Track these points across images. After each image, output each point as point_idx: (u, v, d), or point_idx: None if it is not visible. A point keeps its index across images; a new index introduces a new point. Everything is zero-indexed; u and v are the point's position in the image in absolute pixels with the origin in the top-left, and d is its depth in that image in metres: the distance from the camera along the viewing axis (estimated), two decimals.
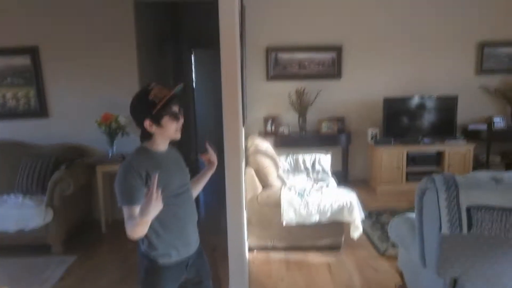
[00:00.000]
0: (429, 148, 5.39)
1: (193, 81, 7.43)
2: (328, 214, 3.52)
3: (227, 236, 2.85)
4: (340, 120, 5.64)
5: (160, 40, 5.64)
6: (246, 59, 4.83)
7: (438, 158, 5.42)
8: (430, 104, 5.51)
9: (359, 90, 5.69)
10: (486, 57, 5.61)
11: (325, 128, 5.56)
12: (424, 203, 2.32)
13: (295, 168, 4.74)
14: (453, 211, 2.11)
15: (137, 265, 1.87)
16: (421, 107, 5.52)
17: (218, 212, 4.38)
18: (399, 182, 5.34)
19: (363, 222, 3.66)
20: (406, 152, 5.34)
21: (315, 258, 3.60)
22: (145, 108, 1.68)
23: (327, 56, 5.60)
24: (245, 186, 3.52)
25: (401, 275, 2.96)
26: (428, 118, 5.55)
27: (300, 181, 4.28)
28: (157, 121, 1.70)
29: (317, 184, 4.20)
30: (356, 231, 3.56)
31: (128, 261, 3.61)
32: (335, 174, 4.93)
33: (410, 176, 5.32)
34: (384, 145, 5.38)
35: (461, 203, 2.10)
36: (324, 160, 4.79)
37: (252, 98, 5.49)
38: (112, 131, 4.24)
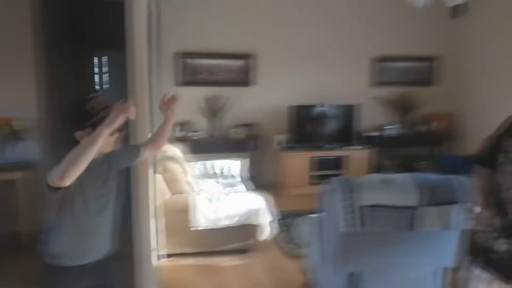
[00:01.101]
0: (331, 153, 5.77)
1: (97, 86, 7.09)
2: (237, 218, 3.60)
3: (134, 244, 2.78)
4: (250, 126, 5.79)
5: (60, 42, 5.30)
6: (155, 64, 4.74)
7: (339, 163, 5.81)
8: (331, 112, 5.90)
9: (268, 97, 5.90)
10: (379, 70, 6.17)
11: (235, 134, 5.66)
12: (324, 204, 2.49)
13: (205, 174, 4.76)
14: (349, 210, 2.30)
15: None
16: (324, 115, 5.90)
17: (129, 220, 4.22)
18: (305, 186, 5.63)
19: (271, 224, 3.80)
20: (310, 157, 5.65)
21: (225, 262, 3.65)
22: (80, 119, 1.61)
23: (238, 63, 5.73)
24: (154, 193, 3.46)
25: (305, 273, 3.13)
26: (330, 126, 5.94)
27: (210, 186, 4.32)
28: (91, 133, 1.60)
29: (226, 189, 4.27)
30: (264, 234, 3.68)
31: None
32: (245, 179, 5.04)
33: (315, 180, 5.63)
34: (290, 151, 5.64)
35: (355, 203, 2.30)
36: (234, 165, 4.88)
37: None
38: (5, 136, 3.89)
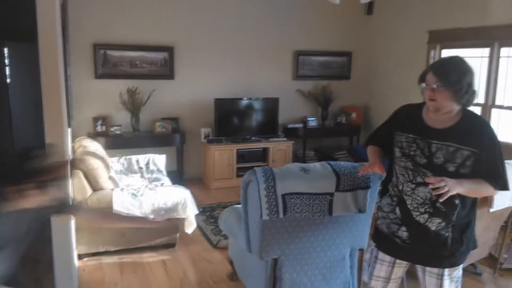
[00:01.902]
0: (256, 145, 5.88)
1: (6, 77, 6.54)
2: (163, 212, 3.56)
3: (52, 246, 2.65)
4: (174, 120, 5.72)
5: None
6: (70, 55, 4.50)
7: (264, 154, 5.95)
8: (256, 105, 6.02)
9: (192, 90, 5.86)
10: (301, 64, 6.39)
11: (159, 128, 5.56)
12: (248, 194, 2.55)
13: (129, 169, 4.63)
14: (272, 199, 2.38)
15: None
16: (249, 108, 5.99)
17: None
18: (231, 178, 5.69)
19: (197, 217, 3.81)
20: (236, 150, 5.72)
21: (150, 258, 3.60)
22: (17, 175, 1.50)
23: (159, 56, 5.60)
24: (73, 190, 3.31)
25: (231, 263, 3.19)
26: (255, 118, 6.05)
27: (134, 181, 4.22)
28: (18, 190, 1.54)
29: (152, 183, 4.20)
30: (190, 227, 3.68)
31: None
32: (171, 173, 4.99)
33: (240, 172, 5.71)
34: (216, 144, 5.67)
35: (278, 191, 2.39)
36: (159, 160, 4.80)
37: (79, 97, 5.15)
38: None
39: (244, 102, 5.95)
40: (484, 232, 3.09)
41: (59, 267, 2.68)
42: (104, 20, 5.30)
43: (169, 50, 5.63)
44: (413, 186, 1.97)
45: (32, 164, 1.47)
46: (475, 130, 1.91)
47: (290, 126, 6.28)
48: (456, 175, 1.86)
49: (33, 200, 1.52)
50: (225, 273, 3.29)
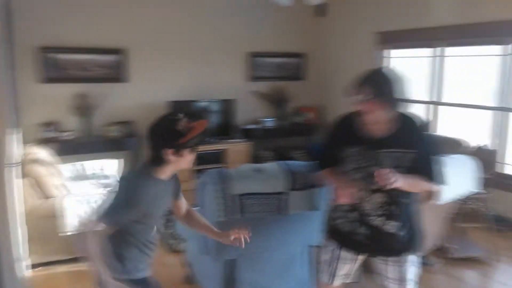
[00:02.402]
0: (213, 147, 5.86)
1: None
2: None
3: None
4: (129, 123, 5.60)
5: None
6: (15, 58, 4.30)
7: (222, 156, 5.94)
8: (213, 107, 6.00)
9: (147, 93, 5.76)
10: (255, 66, 6.44)
11: (113, 132, 5.43)
12: (204, 196, 2.55)
13: (79, 176, 4.48)
14: (223, 200, 2.40)
15: None
16: (203, 110, 5.96)
17: None
18: (188, 181, 5.62)
19: None
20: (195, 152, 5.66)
21: None
22: (171, 137, 1.71)
23: (109, 58, 5.45)
24: (22, 199, 3.17)
25: (189, 266, 3.16)
26: (211, 120, 6.03)
27: (84, 188, 4.09)
28: (178, 151, 1.75)
29: (105, 190, 4.09)
30: None
31: None
32: None
33: (199, 174, 5.63)
34: None
35: (229, 193, 2.41)
36: (111, 165, 4.68)
37: (28, 102, 4.92)
38: None
39: (198, 104, 5.92)
40: (433, 225, 3.24)
41: (7, 279, 2.56)
42: (52, 22, 5.09)
43: (122, 52, 5.50)
44: (368, 193, 2.04)
45: (183, 124, 1.74)
46: (415, 132, 2.02)
47: (247, 127, 6.30)
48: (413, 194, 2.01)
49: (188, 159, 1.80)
50: (183, 277, 3.26)
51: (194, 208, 2.97)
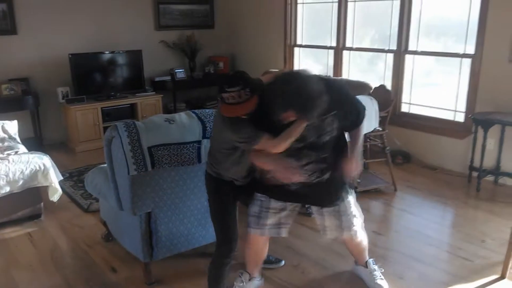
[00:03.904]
0: (122, 101, 5.60)
1: None
2: (21, 182, 3.25)
3: None
4: (24, 81, 5.09)
5: None
6: None
7: (132, 111, 5.71)
8: (118, 59, 5.66)
9: (42, 46, 5.24)
10: (162, 13, 6.12)
11: (6, 91, 4.92)
12: (112, 151, 2.44)
13: None
14: (137, 153, 2.32)
15: None
16: (110, 62, 5.61)
17: None
18: (98, 139, 5.36)
19: (63, 184, 3.55)
20: (100, 108, 5.37)
21: (13, 233, 3.29)
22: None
23: None
24: None
25: (105, 224, 3.08)
26: (118, 73, 5.71)
27: None
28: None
29: (3, 153, 3.75)
30: (55, 194, 3.43)
31: None
32: (28, 140, 4.51)
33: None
34: (77, 104, 5.24)
35: (143, 145, 2.34)
36: (10, 126, 4.25)
37: None
38: None
39: (105, 56, 5.55)
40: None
41: None
42: None
43: (5, 1, 4.88)
44: (302, 165, 2.08)
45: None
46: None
47: (157, 79, 6.08)
48: (335, 139, 2.11)
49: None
50: (100, 236, 3.17)
51: (102, 165, 2.86)
